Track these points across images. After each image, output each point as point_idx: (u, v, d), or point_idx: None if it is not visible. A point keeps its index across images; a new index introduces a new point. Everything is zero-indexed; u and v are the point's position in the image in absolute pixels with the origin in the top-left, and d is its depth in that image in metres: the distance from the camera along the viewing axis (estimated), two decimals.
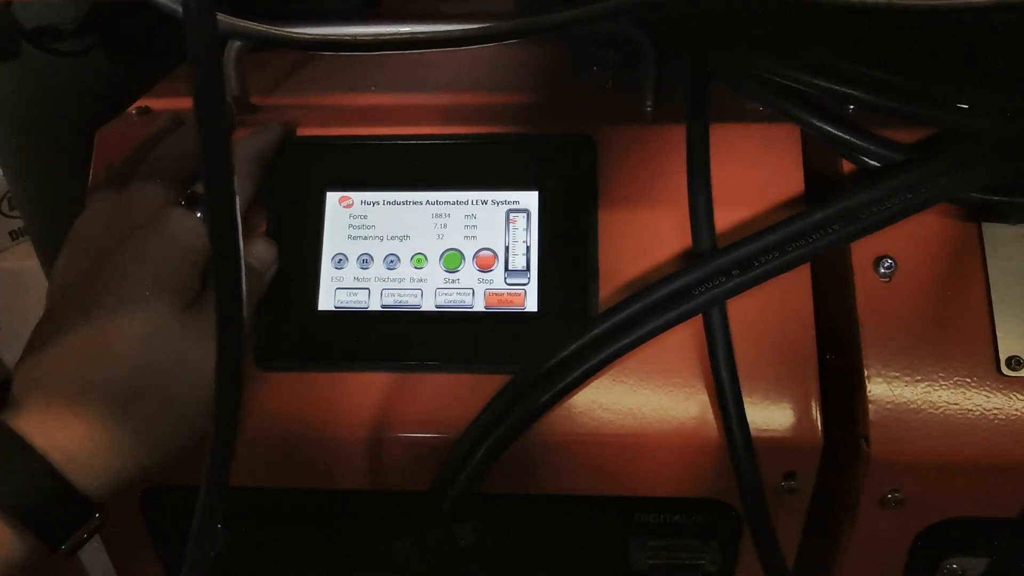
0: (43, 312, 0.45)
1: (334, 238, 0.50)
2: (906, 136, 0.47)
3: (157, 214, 0.45)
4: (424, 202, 0.50)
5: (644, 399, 0.46)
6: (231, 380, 0.32)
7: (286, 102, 0.56)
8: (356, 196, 0.50)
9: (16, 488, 0.38)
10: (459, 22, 0.40)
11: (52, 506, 0.39)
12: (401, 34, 0.40)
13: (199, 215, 0.45)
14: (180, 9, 0.23)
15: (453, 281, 0.48)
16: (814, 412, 0.45)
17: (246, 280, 0.45)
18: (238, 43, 0.52)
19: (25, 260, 1.38)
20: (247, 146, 0.49)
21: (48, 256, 0.79)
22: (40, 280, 0.86)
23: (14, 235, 1.44)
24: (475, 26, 0.39)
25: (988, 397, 0.44)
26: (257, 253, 0.48)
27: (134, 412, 0.41)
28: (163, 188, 0.46)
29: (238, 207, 0.29)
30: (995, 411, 0.44)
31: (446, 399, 0.47)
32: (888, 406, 0.45)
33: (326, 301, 0.49)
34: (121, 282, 0.43)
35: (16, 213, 1.41)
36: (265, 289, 0.48)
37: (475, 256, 0.49)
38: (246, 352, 0.44)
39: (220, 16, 0.38)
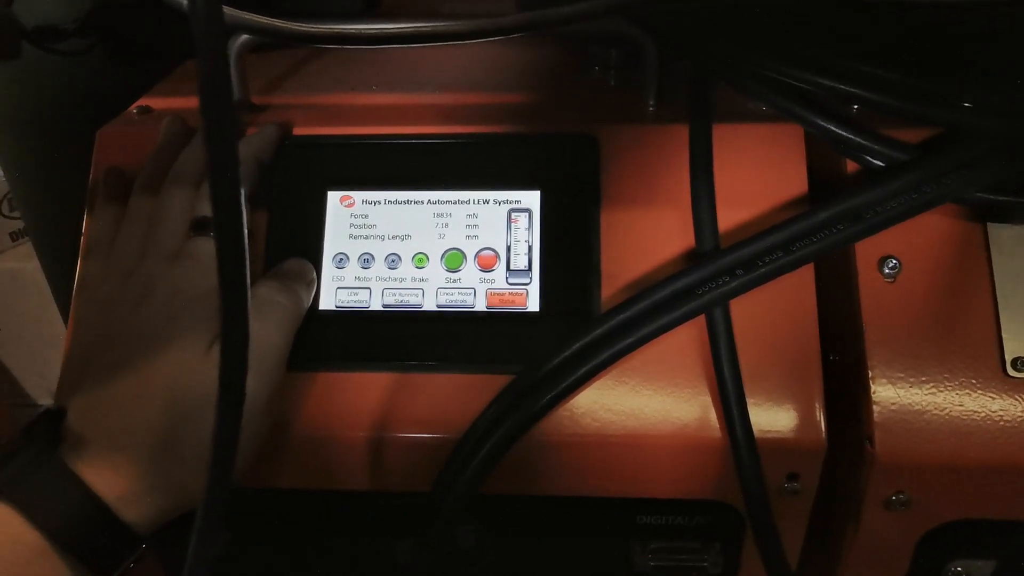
0: (73, 323, 0.47)
1: (335, 237, 0.49)
2: (911, 136, 0.47)
3: (185, 245, 0.46)
4: (425, 201, 0.49)
5: (647, 400, 0.46)
6: (234, 384, 0.32)
7: (287, 102, 0.55)
8: (357, 195, 0.50)
9: (71, 524, 0.40)
10: (461, 20, 0.39)
11: (103, 541, 0.41)
12: (407, 28, 0.39)
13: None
14: (186, 2, 0.23)
15: (454, 281, 0.48)
16: (818, 413, 0.45)
17: (295, 287, 0.47)
18: (239, 43, 0.51)
19: (25, 261, 1.37)
20: (243, 148, 0.49)
21: (48, 257, 0.79)
22: (40, 281, 0.85)
23: (14, 236, 1.44)
24: (481, 20, 0.38)
25: (993, 398, 0.44)
26: (292, 266, 0.48)
27: (173, 453, 0.42)
28: (190, 207, 0.47)
29: (244, 209, 0.29)
30: (1000, 412, 0.44)
31: (447, 399, 0.46)
32: (893, 407, 0.45)
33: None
34: (160, 319, 0.44)
35: (16, 214, 1.41)
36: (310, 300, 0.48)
37: (476, 256, 0.48)
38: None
39: (224, 8, 0.38)
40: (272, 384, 0.45)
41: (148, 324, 0.44)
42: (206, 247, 0.46)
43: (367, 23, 0.41)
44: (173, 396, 0.42)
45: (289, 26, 0.39)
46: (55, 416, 0.43)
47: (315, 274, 0.49)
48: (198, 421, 0.42)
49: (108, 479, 0.41)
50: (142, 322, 0.44)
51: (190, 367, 0.43)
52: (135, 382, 0.43)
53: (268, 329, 0.45)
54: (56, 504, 0.40)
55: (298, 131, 0.52)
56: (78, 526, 0.40)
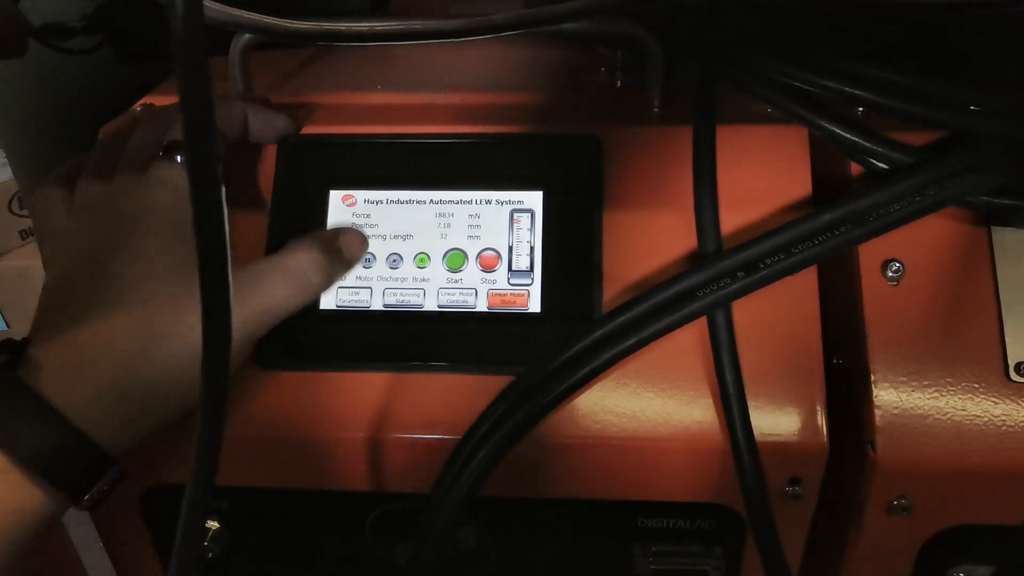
0: (48, 265, 0.46)
1: None
2: (915, 138, 0.46)
3: (148, 167, 0.45)
4: (428, 201, 0.49)
5: (648, 402, 0.46)
6: (218, 363, 0.31)
7: (290, 100, 0.55)
8: (359, 195, 0.50)
9: (36, 444, 0.39)
10: (452, 19, 0.39)
11: (71, 460, 0.40)
12: (399, 26, 0.39)
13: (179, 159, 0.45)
14: None
15: (456, 281, 0.48)
16: (820, 417, 0.45)
17: (333, 267, 0.47)
18: (243, 40, 0.52)
19: (34, 259, 1.38)
20: (236, 105, 0.50)
21: None
22: None
23: (23, 234, 1.45)
24: (472, 19, 0.38)
25: (996, 403, 0.44)
26: (348, 243, 0.48)
27: (144, 370, 0.41)
28: (157, 140, 0.47)
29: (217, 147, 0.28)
30: (1004, 417, 0.44)
31: (448, 400, 0.46)
32: (895, 412, 0.44)
33: (328, 300, 0.48)
34: (130, 238, 0.43)
35: (25, 212, 1.42)
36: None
37: (478, 256, 0.48)
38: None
39: (226, 9, 0.38)
40: (251, 337, 0.45)
41: (123, 245, 0.43)
42: (170, 167, 0.45)
43: (360, 21, 0.41)
44: (146, 312, 0.42)
45: (284, 24, 0.39)
46: (15, 344, 0.42)
47: (366, 246, 0.49)
48: (172, 338, 0.42)
49: (71, 395, 0.40)
50: (117, 243, 0.43)
51: (169, 284, 0.42)
52: (104, 300, 0.42)
53: (286, 292, 0.45)
54: (16, 422, 0.39)
55: (301, 130, 0.52)
56: (42, 445, 0.39)
